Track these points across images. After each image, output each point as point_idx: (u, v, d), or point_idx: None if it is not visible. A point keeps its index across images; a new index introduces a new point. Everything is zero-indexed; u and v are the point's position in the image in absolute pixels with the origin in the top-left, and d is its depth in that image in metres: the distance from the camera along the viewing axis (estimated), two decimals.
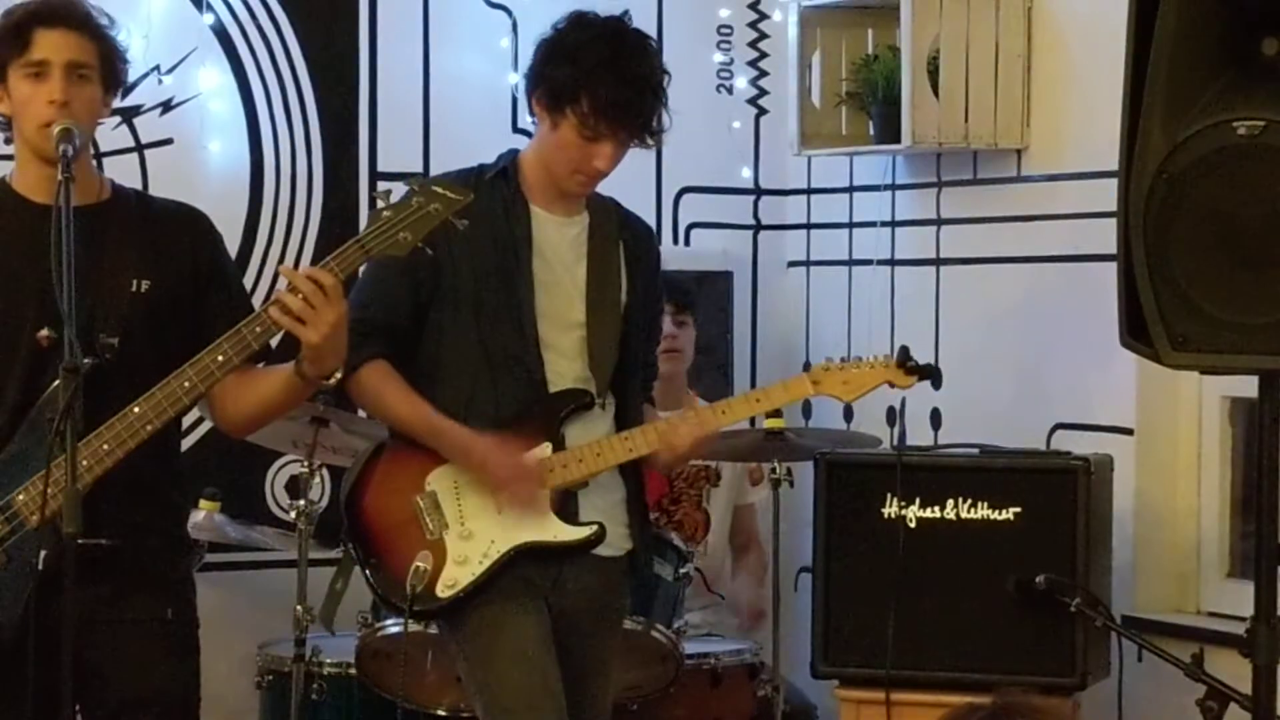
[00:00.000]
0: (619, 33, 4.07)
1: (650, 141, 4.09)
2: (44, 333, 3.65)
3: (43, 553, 3.46)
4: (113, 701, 3.64)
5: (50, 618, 3.47)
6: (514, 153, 4.21)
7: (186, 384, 3.61)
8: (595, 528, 4.07)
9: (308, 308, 3.56)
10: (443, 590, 4.03)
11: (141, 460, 3.62)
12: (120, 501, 3.49)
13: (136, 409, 3.60)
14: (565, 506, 4.08)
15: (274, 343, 3.70)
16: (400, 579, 4.02)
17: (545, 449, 4.05)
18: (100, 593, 3.49)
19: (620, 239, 4.21)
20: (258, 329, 3.62)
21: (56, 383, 3.56)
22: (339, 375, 3.71)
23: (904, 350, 4.17)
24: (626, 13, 4.12)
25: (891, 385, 4.20)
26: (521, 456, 4.03)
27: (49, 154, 3.62)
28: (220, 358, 3.61)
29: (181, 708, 3.79)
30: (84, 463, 3.43)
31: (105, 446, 3.55)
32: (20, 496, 3.63)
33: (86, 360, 3.42)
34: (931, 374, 4.20)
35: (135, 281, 3.72)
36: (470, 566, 4.03)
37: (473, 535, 4.04)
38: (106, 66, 3.75)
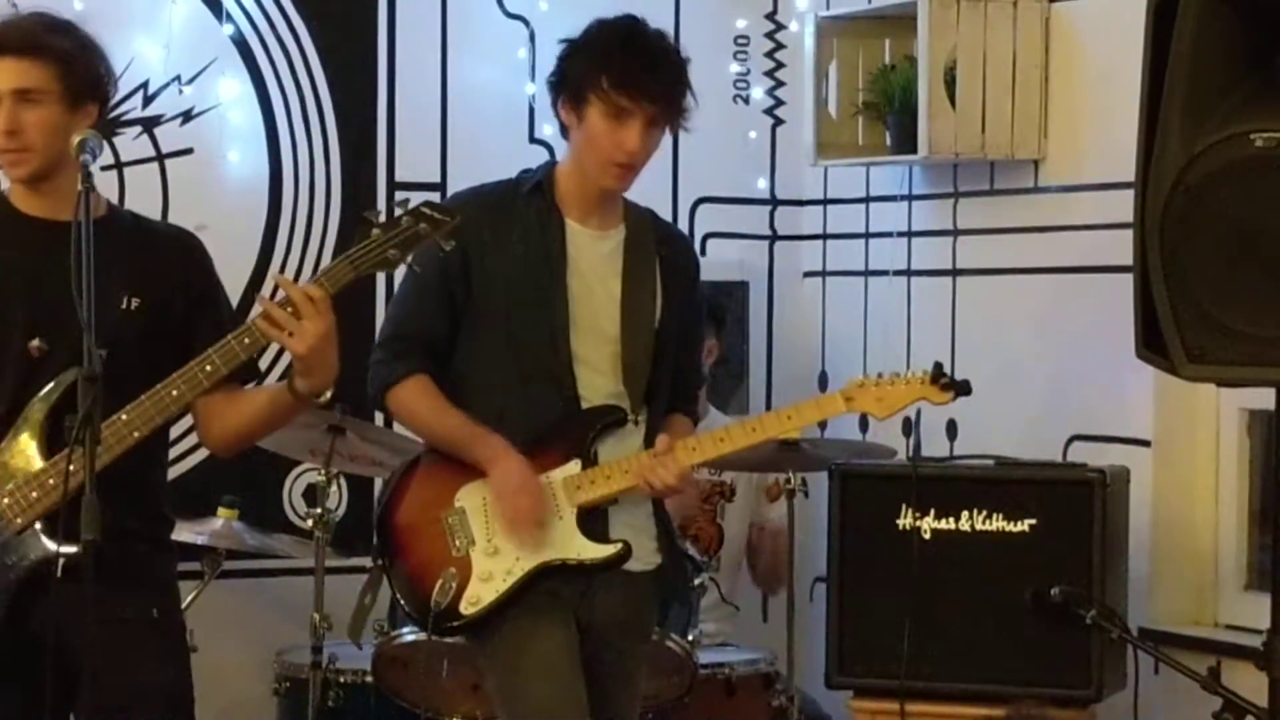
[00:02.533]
0: (633, 21, 4.07)
1: (681, 122, 4.07)
2: (35, 343, 3.67)
3: (61, 559, 3.47)
4: (106, 699, 3.62)
5: (39, 620, 3.48)
6: (550, 164, 4.20)
7: (174, 393, 3.64)
8: (620, 545, 4.04)
9: (293, 319, 3.57)
10: (466, 607, 4.02)
11: (128, 467, 3.64)
12: (108, 506, 3.50)
13: (124, 416, 3.62)
14: (594, 523, 4.06)
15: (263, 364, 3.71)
16: (426, 595, 4.01)
17: (574, 466, 4.04)
18: (89, 593, 3.48)
19: (658, 252, 4.17)
20: (246, 340, 3.64)
21: (46, 390, 3.59)
22: (329, 394, 3.70)
23: (938, 366, 4.12)
24: (642, 19, 4.12)
25: (928, 402, 4.16)
26: (529, 473, 4.01)
27: (15, 177, 3.69)
28: (208, 368, 3.63)
29: (173, 705, 3.79)
30: (70, 467, 3.43)
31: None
32: (5, 500, 3.65)
33: (73, 369, 3.44)
34: (967, 390, 4.15)
35: (126, 298, 3.74)
36: (494, 584, 4.01)
37: (498, 552, 4.03)
38: (67, 85, 3.74)
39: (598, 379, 4.07)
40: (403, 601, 4.11)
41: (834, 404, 4.15)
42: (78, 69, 3.75)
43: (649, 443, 4.08)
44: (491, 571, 4.02)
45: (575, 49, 4.05)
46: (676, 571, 4.29)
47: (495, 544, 4.03)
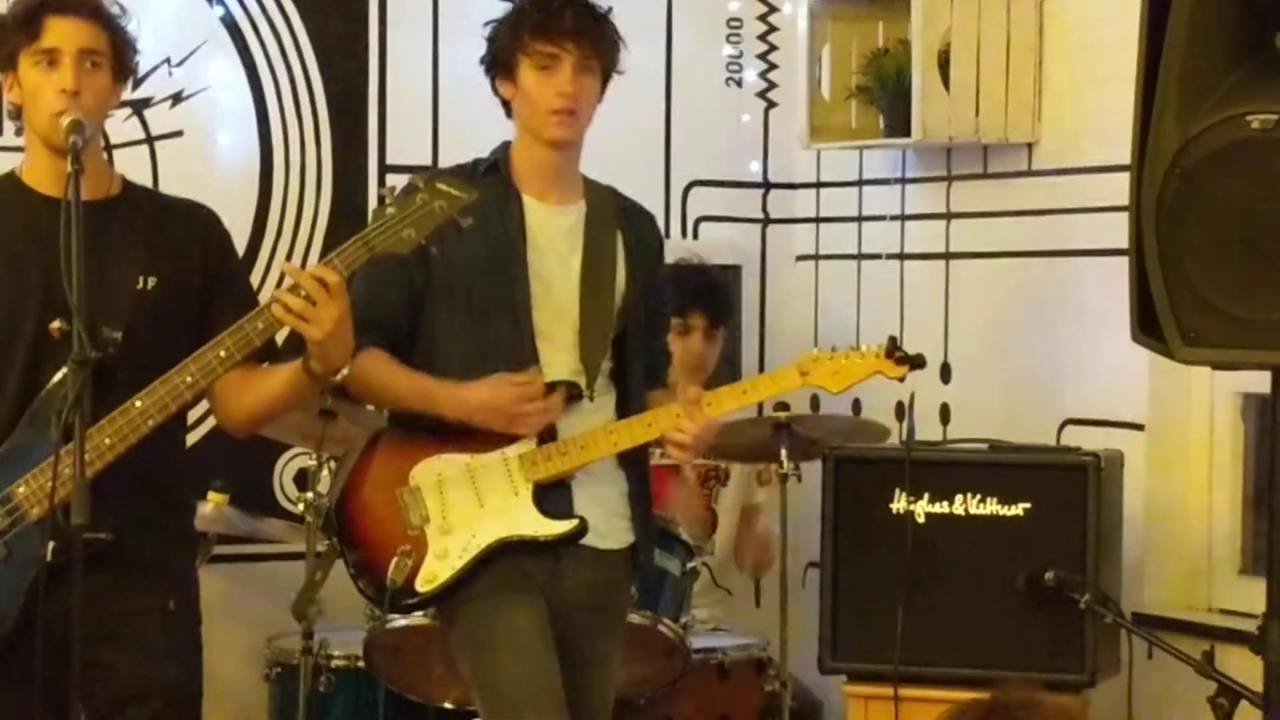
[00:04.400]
0: None
1: (608, 61, 4.09)
2: (56, 324, 3.64)
3: (51, 544, 3.46)
4: (116, 691, 3.65)
5: (53, 610, 3.46)
6: (505, 145, 4.20)
7: (189, 379, 3.62)
8: (576, 521, 4.04)
9: (309, 305, 3.56)
10: (422, 585, 4.02)
11: (145, 454, 3.62)
12: (123, 495, 3.49)
13: (138, 403, 3.60)
14: (558, 499, 4.06)
15: (280, 340, 3.69)
16: (382, 572, 4.02)
17: (529, 442, 4.04)
18: (102, 584, 3.48)
19: (619, 227, 4.18)
20: (260, 325, 3.62)
21: (58, 375, 3.56)
22: (345, 371, 3.69)
23: (892, 340, 4.13)
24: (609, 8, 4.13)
25: (883, 375, 4.15)
26: (519, 381, 3.99)
27: (59, 144, 3.62)
28: (222, 353, 3.61)
29: (184, 698, 3.79)
30: (85, 456, 3.41)
31: (107, 440, 3.55)
32: (21, 489, 3.63)
33: (93, 354, 3.41)
34: (920, 363, 4.15)
35: (141, 278, 3.72)
36: (449, 560, 4.02)
37: (453, 529, 4.03)
38: (117, 56, 3.74)
39: (559, 355, 4.08)
40: (358, 581, 4.11)
41: (789, 377, 4.15)
42: (127, 43, 3.76)
43: (622, 415, 4.08)
44: (447, 549, 4.02)
45: (497, 25, 4.13)
46: (649, 550, 4.28)
47: (450, 521, 4.04)
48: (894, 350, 4.09)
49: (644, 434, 4.07)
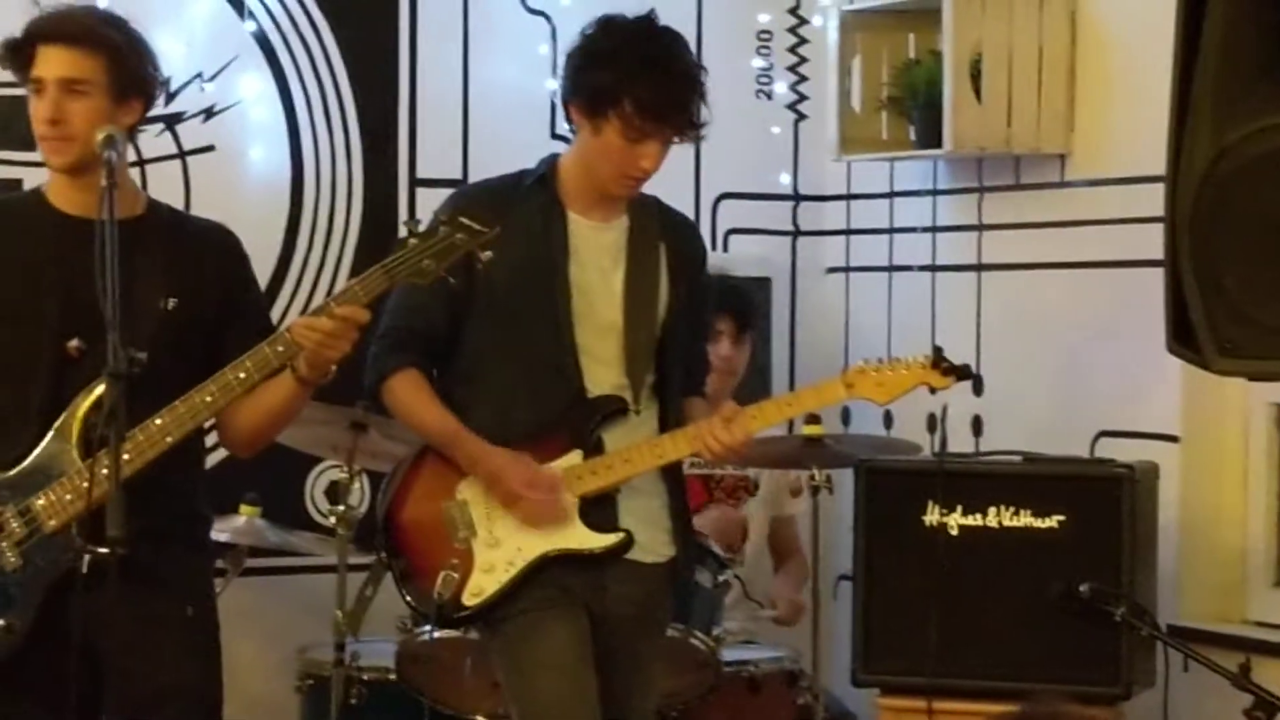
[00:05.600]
0: (652, 32, 4.06)
1: (694, 135, 4.07)
2: (74, 343, 3.69)
3: (86, 556, 3.48)
4: (137, 695, 3.67)
5: (74, 619, 3.49)
6: (553, 158, 4.19)
7: (208, 398, 3.67)
8: (622, 535, 4.06)
9: (332, 339, 3.62)
10: (469, 598, 4.04)
11: (163, 468, 3.65)
12: (142, 508, 3.50)
13: (158, 420, 3.66)
14: (602, 512, 4.06)
15: None
16: (429, 587, 4.03)
17: (575, 456, 4.05)
18: (123, 593, 3.48)
19: (662, 240, 4.18)
20: (280, 348, 3.68)
21: (95, 393, 3.59)
22: (333, 371, 3.72)
23: (938, 350, 4.14)
24: (652, 11, 4.10)
25: (929, 388, 4.15)
26: (538, 468, 4.01)
27: (56, 166, 3.69)
28: (241, 374, 3.68)
29: (204, 703, 3.82)
30: (104, 470, 3.43)
31: (125, 456, 3.55)
32: (40, 501, 3.69)
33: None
34: (968, 374, 4.16)
35: (164, 299, 3.76)
36: (496, 574, 4.04)
37: (500, 543, 4.04)
38: (114, 78, 3.74)
39: (602, 370, 4.09)
40: (406, 595, 4.14)
41: (834, 389, 4.16)
42: (126, 63, 3.79)
43: (664, 430, 4.10)
44: (493, 563, 4.04)
45: (593, 57, 4.03)
46: (689, 564, 4.29)
47: (497, 535, 4.05)
48: (940, 361, 4.10)
49: (687, 447, 4.07)
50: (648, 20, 4.07)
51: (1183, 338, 3.84)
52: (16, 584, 3.69)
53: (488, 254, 3.71)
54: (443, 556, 4.05)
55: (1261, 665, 4.21)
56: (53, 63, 3.71)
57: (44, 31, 3.74)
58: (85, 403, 3.66)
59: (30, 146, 4.97)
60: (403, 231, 3.70)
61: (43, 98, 3.71)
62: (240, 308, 3.87)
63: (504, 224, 3.94)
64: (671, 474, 4.17)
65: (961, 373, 4.12)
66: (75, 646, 3.50)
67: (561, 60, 4.17)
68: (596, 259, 4.11)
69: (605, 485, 4.05)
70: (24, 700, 3.72)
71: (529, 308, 4.06)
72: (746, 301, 5.53)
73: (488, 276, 4.00)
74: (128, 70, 3.78)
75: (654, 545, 4.13)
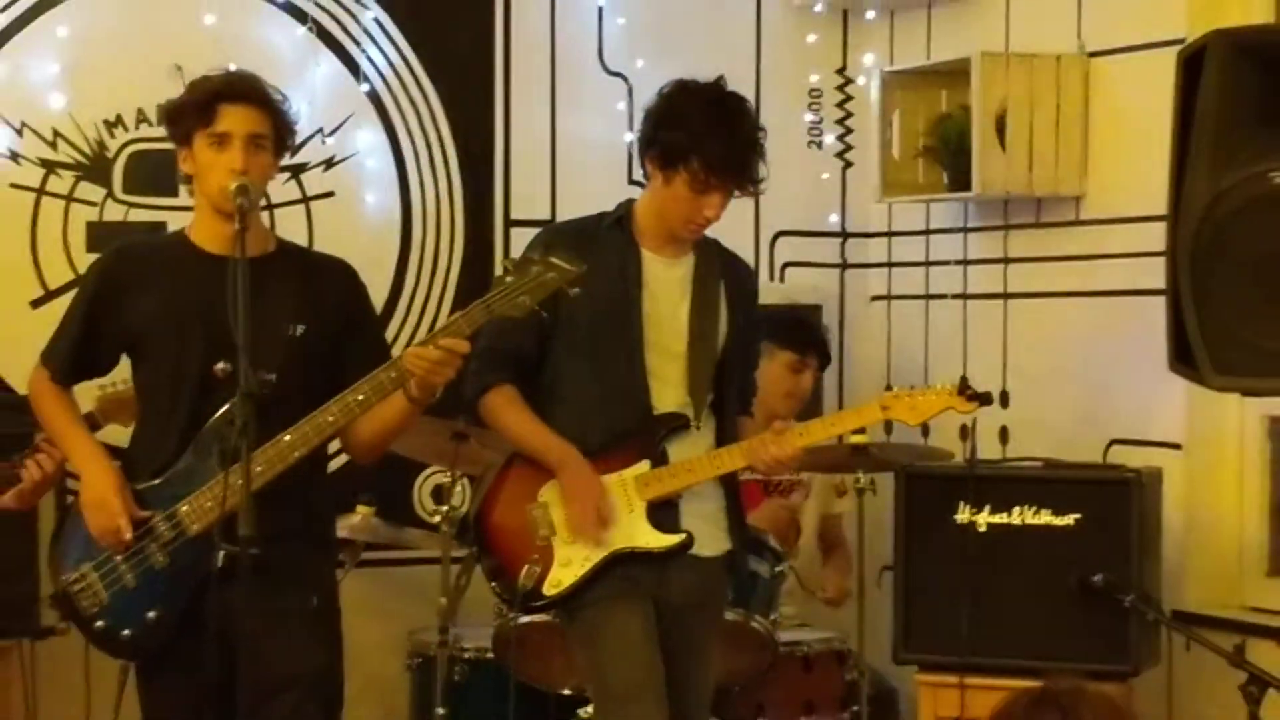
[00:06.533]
0: (721, 97, 4.07)
1: (752, 190, 4.09)
2: (220, 365, 3.69)
3: (220, 551, 3.51)
4: (268, 679, 3.66)
5: (215, 610, 3.53)
6: (629, 203, 4.22)
7: (330, 418, 3.67)
8: (684, 535, 4.08)
9: (439, 366, 3.63)
10: (549, 589, 4.07)
11: (292, 477, 3.66)
12: (273, 512, 3.53)
13: (287, 437, 3.65)
14: (666, 515, 4.08)
15: None
16: (514, 577, 4.06)
17: (644, 465, 4.08)
18: (256, 587, 3.50)
19: (722, 278, 4.20)
20: (393, 374, 3.68)
21: (223, 409, 3.61)
22: (439, 393, 3.75)
23: (963, 380, 4.16)
24: (722, 77, 4.12)
25: (955, 411, 4.16)
26: (597, 480, 4.03)
27: (227, 209, 3.68)
28: (360, 397, 3.67)
29: (327, 684, 3.84)
30: (239, 481, 3.45)
31: (258, 468, 3.57)
32: (184, 508, 3.69)
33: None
34: (988, 400, 4.17)
35: (292, 326, 3.76)
36: (573, 569, 4.06)
37: (577, 541, 4.06)
38: (279, 136, 3.80)
39: (668, 390, 4.10)
40: (494, 585, 4.16)
41: (872, 412, 4.18)
42: (287, 123, 3.80)
43: (720, 443, 4.12)
44: (570, 558, 4.06)
45: (668, 117, 4.05)
46: (744, 556, 4.31)
47: (574, 534, 4.06)
48: (965, 389, 4.12)
49: (742, 460, 4.09)
50: (717, 86, 4.08)
51: (1183, 358, 3.84)
52: (165, 580, 3.71)
53: (575, 290, 3.72)
54: (527, 552, 4.07)
55: (1255, 646, 4.18)
56: (240, 120, 3.72)
57: (232, 91, 3.75)
58: (218, 418, 3.67)
59: (173, 193, 5.10)
60: (499, 270, 3.70)
61: (228, 150, 3.71)
62: (360, 332, 3.87)
63: (587, 258, 3.98)
64: (727, 481, 4.19)
65: (983, 399, 4.14)
66: (211, 635, 3.53)
67: (639, 116, 4.19)
68: (666, 292, 4.13)
69: (671, 491, 4.08)
70: (172, 685, 3.75)
71: (607, 334, 4.08)
72: (804, 333, 5.52)
73: (571, 305, 4.03)
74: (286, 129, 3.82)
75: (711, 541, 4.15)
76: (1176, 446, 5.00)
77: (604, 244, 4.10)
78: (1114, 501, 4.64)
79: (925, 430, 5.52)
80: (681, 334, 4.12)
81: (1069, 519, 4.67)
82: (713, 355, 4.15)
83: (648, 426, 4.09)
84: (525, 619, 4.53)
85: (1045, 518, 4.69)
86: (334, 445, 4.00)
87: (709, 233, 4.20)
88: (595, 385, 4.08)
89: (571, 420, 4.09)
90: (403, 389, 3.70)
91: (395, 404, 3.74)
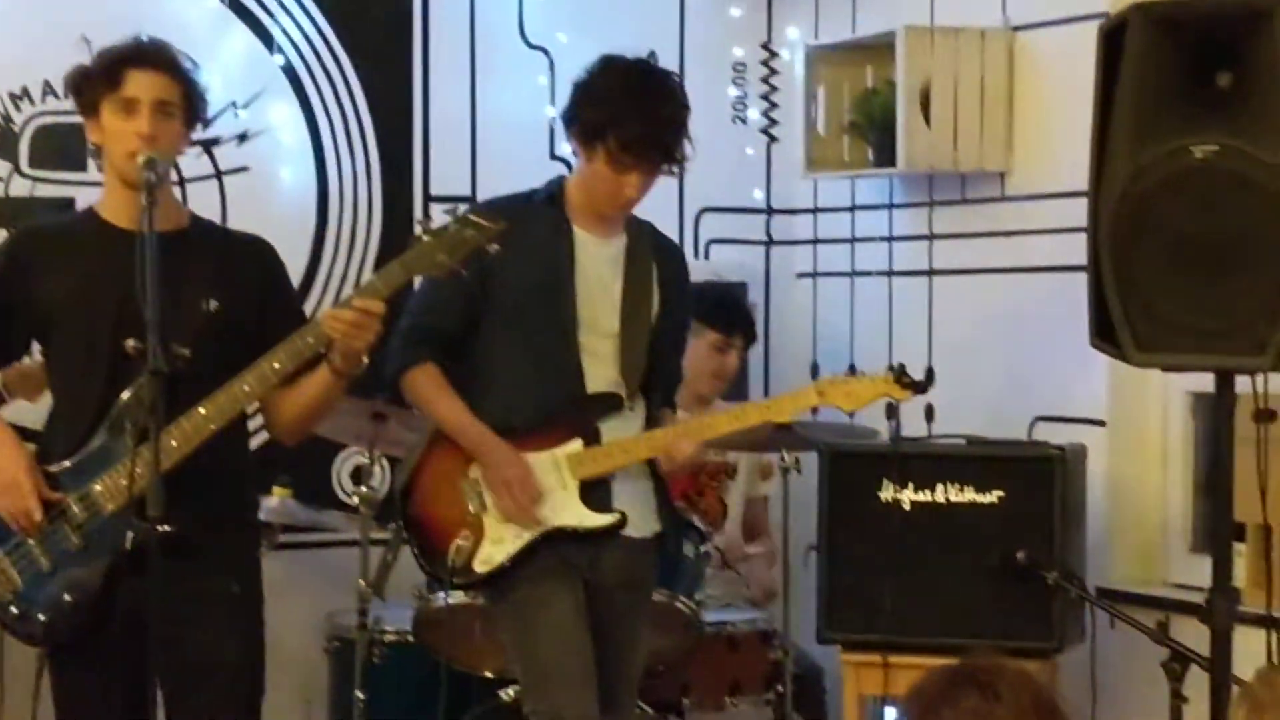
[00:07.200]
0: (643, 74, 4.08)
1: (674, 170, 4.10)
2: (131, 342, 3.65)
3: (129, 534, 3.49)
4: (187, 666, 3.66)
5: (130, 595, 3.50)
6: (561, 179, 4.22)
7: (246, 387, 3.63)
8: (617, 515, 4.09)
9: (356, 329, 3.59)
10: (480, 566, 4.07)
11: (212, 457, 3.64)
12: (193, 492, 3.50)
13: (202, 410, 3.61)
14: (597, 494, 4.10)
15: None
16: (443, 554, 4.06)
17: (577, 444, 4.09)
18: (175, 571, 3.48)
19: (654, 259, 4.22)
20: (310, 339, 3.63)
21: (133, 387, 3.59)
22: (364, 363, 3.74)
23: (900, 366, 4.19)
24: (652, 53, 4.12)
25: (891, 398, 4.21)
26: (527, 474, 4.03)
27: (134, 181, 3.64)
28: (276, 364, 3.63)
29: (247, 671, 3.81)
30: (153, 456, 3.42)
31: (173, 443, 3.56)
32: (97, 487, 3.65)
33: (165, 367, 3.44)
34: (925, 388, 4.20)
35: (206, 301, 3.73)
36: (505, 546, 4.06)
37: (509, 519, 4.06)
38: (189, 104, 3.76)
39: (601, 369, 4.11)
40: (422, 561, 4.15)
41: (807, 397, 4.21)
42: (197, 90, 3.77)
43: (649, 426, 4.13)
44: (503, 535, 4.07)
45: (588, 93, 4.06)
46: (674, 537, 4.32)
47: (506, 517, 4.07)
48: (902, 376, 4.15)
49: (691, 435, 4.11)
50: (643, 64, 4.10)
51: (1104, 334, 3.87)
52: (80, 563, 3.66)
53: (495, 247, 3.67)
54: (456, 528, 4.07)
55: (1178, 622, 4.21)
56: (147, 85, 3.67)
57: (137, 56, 3.71)
58: (129, 396, 3.63)
59: (81, 167, 5.06)
60: (417, 230, 3.66)
61: (135, 116, 3.67)
62: (280, 310, 3.84)
63: (516, 237, 3.97)
64: (654, 461, 4.18)
65: (919, 387, 4.17)
66: (118, 616, 3.50)
67: (561, 90, 4.19)
68: (599, 270, 4.14)
69: (605, 470, 4.09)
70: (86, 671, 3.70)
71: (538, 312, 4.08)
72: (730, 311, 5.53)
73: (503, 282, 4.03)
74: (197, 98, 3.79)
75: (642, 522, 4.17)
76: (1101, 423, 5.05)
77: (536, 221, 4.10)
78: (1037, 479, 4.68)
79: None
80: (614, 313, 4.13)
81: (993, 496, 4.71)
82: (645, 336, 4.16)
83: (581, 405, 4.10)
84: (450, 599, 4.53)
85: (969, 495, 4.72)
86: (253, 424, 3.98)
87: (636, 211, 4.21)
88: (528, 362, 4.09)
89: (503, 398, 4.10)
90: (327, 362, 3.68)
91: (319, 378, 3.72)
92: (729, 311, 5.52)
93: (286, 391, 3.74)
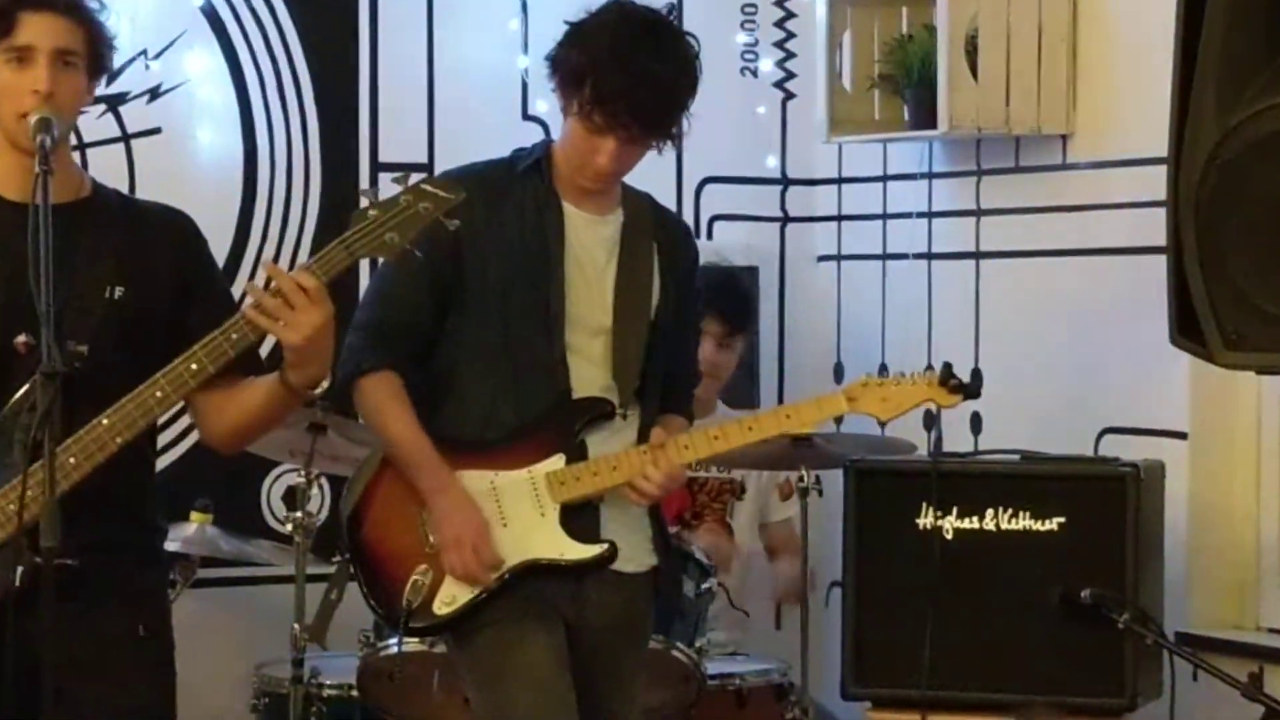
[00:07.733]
0: (646, 24, 4.03)
1: (660, 147, 4.08)
2: (22, 338, 3.64)
3: (19, 569, 3.48)
4: (85, 718, 3.66)
5: (19, 638, 3.50)
6: (548, 143, 4.21)
7: (159, 394, 3.60)
8: (606, 546, 4.08)
9: (285, 308, 3.55)
10: (440, 607, 4.05)
11: (112, 475, 3.62)
12: (89, 517, 3.49)
13: (105, 420, 3.58)
14: (583, 521, 4.09)
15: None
16: (397, 593, 4.04)
17: (558, 460, 4.07)
18: (69, 610, 3.45)
19: (655, 238, 4.21)
20: (234, 335, 3.59)
21: (22, 391, 3.58)
22: (325, 384, 3.70)
23: (947, 366, 4.17)
24: (671, 7, 4.11)
25: (934, 405, 4.19)
26: (480, 534, 4.01)
27: (26, 145, 3.62)
28: (194, 366, 3.59)
29: None
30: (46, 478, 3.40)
31: (72, 460, 3.52)
32: None
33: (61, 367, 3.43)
34: (976, 392, 4.20)
35: (109, 288, 3.70)
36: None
37: None
38: (93, 53, 3.74)
39: (589, 370, 4.11)
40: (372, 601, 4.13)
41: (835, 403, 4.20)
42: (103, 36, 3.75)
43: (643, 439, 4.11)
44: None
45: (579, 31, 4.05)
46: (672, 574, 4.33)
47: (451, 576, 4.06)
48: (949, 378, 4.13)
49: (697, 452, 4.10)
50: (651, 14, 4.06)
51: (1187, 329, 3.87)
52: None
53: (454, 222, 3.65)
54: (413, 561, 4.06)
55: (1275, 674, 4.24)
56: (45, 30, 3.61)
57: None
58: (17, 403, 3.55)
59: None
60: (363, 203, 3.61)
61: (31, 67, 3.60)
62: (200, 295, 3.79)
63: (494, 212, 3.96)
64: None
65: (968, 391, 4.16)
66: (4, 665, 3.49)
67: (536, 33, 4.19)
68: (591, 253, 4.13)
69: (591, 492, 4.07)
70: None
71: (519, 302, 4.06)
72: (738, 301, 5.55)
73: (478, 268, 4.02)
74: (102, 45, 3.77)
75: (636, 554, 4.16)
76: (1181, 435, 5.07)
77: (517, 194, 4.09)
78: (1106, 502, 4.68)
79: None
80: (606, 305, 4.13)
81: (1052, 524, 4.71)
82: (643, 332, 4.16)
83: (564, 413, 4.09)
84: (403, 647, 4.53)
85: (1024, 522, 4.73)
86: (162, 439, 3.98)
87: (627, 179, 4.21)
88: (503, 363, 4.07)
89: (473, 405, 4.09)
90: (279, 375, 3.66)
91: (265, 387, 3.69)
92: (735, 301, 5.53)
93: (230, 394, 3.71)
